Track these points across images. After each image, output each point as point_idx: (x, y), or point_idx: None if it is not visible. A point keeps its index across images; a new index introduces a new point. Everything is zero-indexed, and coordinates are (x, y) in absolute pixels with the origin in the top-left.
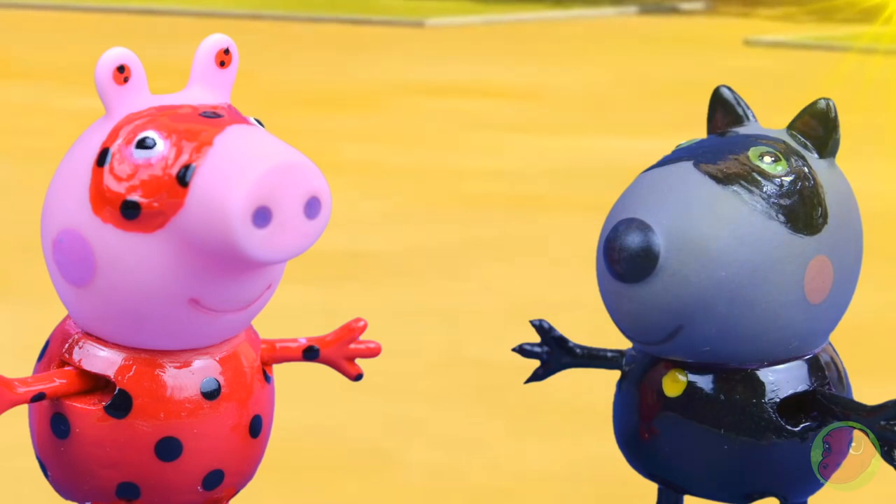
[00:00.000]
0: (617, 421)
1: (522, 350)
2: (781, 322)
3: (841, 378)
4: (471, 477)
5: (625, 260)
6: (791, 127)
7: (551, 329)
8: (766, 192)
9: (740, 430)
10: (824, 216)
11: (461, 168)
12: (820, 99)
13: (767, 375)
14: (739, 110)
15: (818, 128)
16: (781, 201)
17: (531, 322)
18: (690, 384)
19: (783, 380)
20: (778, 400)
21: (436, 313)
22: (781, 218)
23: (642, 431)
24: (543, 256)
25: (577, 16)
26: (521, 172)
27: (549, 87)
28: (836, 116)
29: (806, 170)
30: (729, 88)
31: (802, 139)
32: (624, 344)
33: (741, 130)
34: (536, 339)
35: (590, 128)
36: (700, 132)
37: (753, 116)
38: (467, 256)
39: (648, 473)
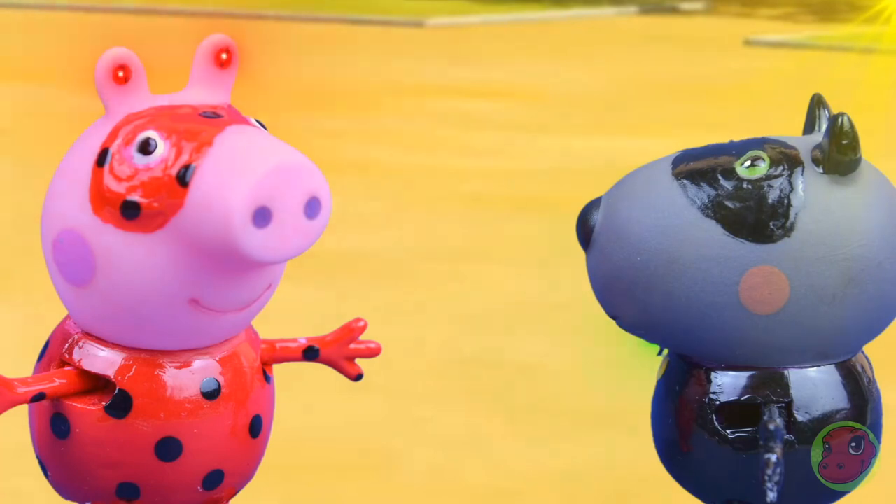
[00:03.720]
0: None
1: None
2: (712, 323)
3: (856, 397)
4: (471, 477)
5: (577, 228)
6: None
7: None
8: (716, 191)
9: (687, 426)
10: (786, 228)
11: (461, 168)
12: (837, 114)
13: (716, 377)
14: (816, 121)
15: (825, 142)
16: (729, 202)
17: None
18: (667, 370)
19: (728, 385)
20: (718, 403)
21: (436, 313)
22: (721, 218)
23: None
24: (543, 256)
25: (577, 16)
26: (521, 172)
27: (549, 87)
28: (846, 133)
29: (785, 179)
30: (820, 97)
31: (817, 152)
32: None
33: (783, 137)
34: (536, 339)
35: (590, 128)
36: (697, 132)
37: (821, 128)
38: (467, 256)
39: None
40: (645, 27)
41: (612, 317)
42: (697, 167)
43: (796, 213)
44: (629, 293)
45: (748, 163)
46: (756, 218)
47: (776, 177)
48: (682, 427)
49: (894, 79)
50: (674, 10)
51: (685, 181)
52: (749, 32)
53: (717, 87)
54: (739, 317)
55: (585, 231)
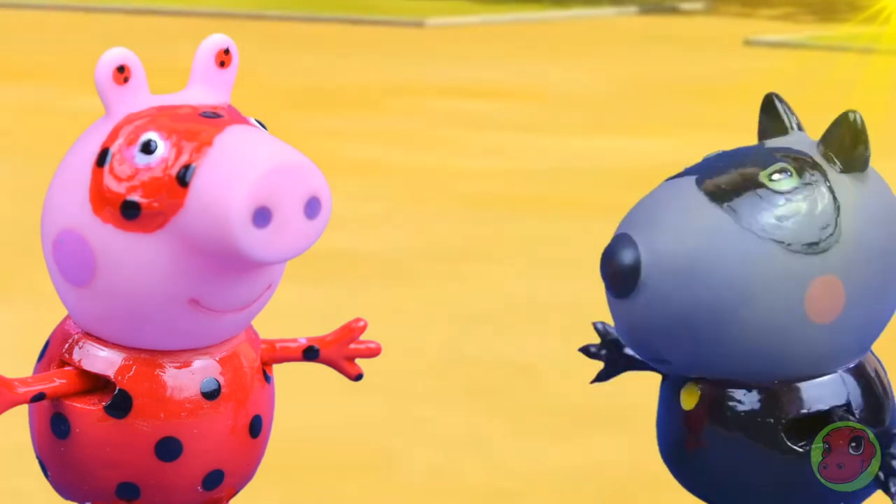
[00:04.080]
0: (657, 427)
1: (587, 351)
2: (779, 340)
3: (877, 397)
4: (471, 477)
5: (612, 275)
6: (822, 140)
7: (607, 331)
8: (764, 211)
9: (743, 445)
10: (835, 234)
11: (461, 168)
12: (847, 111)
13: (775, 394)
14: (785, 120)
15: (843, 141)
16: (781, 220)
17: (594, 325)
18: (702, 397)
19: (790, 399)
20: (783, 419)
21: (435, 313)
22: (779, 237)
23: (670, 443)
24: (543, 256)
25: (577, 16)
26: (521, 172)
27: (549, 87)
28: (861, 130)
29: (820, 186)
30: (776, 96)
31: (829, 152)
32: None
33: (774, 142)
34: (536, 340)
35: (589, 128)
36: (697, 132)
37: (799, 125)
38: (466, 256)
39: (682, 483)
40: (645, 27)
41: (659, 361)
42: (730, 188)
43: (837, 218)
44: (693, 329)
45: (777, 176)
46: (809, 230)
47: (809, 185)
48: (687, 429)
49: (894, 79)
50: (674, 10)
51: (730, 205)
52: (749, 32)
53: (717, 87)
54: (807, 329)
55: (633, 276)
